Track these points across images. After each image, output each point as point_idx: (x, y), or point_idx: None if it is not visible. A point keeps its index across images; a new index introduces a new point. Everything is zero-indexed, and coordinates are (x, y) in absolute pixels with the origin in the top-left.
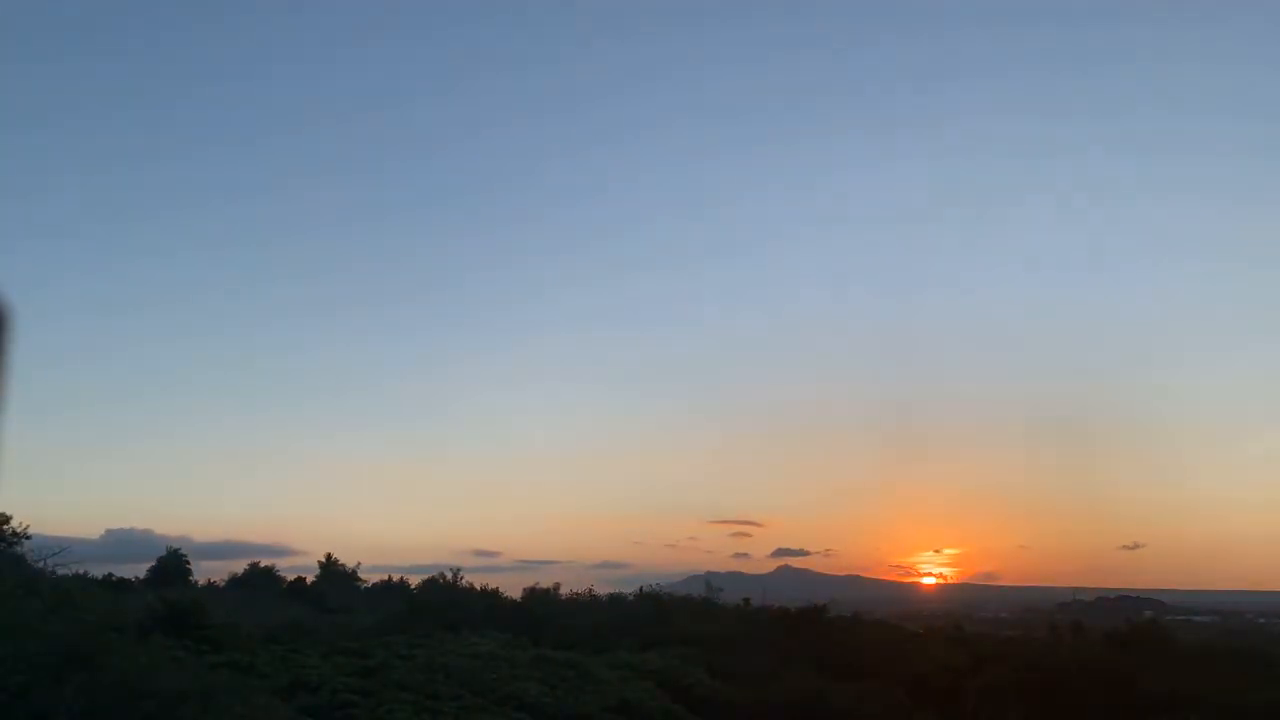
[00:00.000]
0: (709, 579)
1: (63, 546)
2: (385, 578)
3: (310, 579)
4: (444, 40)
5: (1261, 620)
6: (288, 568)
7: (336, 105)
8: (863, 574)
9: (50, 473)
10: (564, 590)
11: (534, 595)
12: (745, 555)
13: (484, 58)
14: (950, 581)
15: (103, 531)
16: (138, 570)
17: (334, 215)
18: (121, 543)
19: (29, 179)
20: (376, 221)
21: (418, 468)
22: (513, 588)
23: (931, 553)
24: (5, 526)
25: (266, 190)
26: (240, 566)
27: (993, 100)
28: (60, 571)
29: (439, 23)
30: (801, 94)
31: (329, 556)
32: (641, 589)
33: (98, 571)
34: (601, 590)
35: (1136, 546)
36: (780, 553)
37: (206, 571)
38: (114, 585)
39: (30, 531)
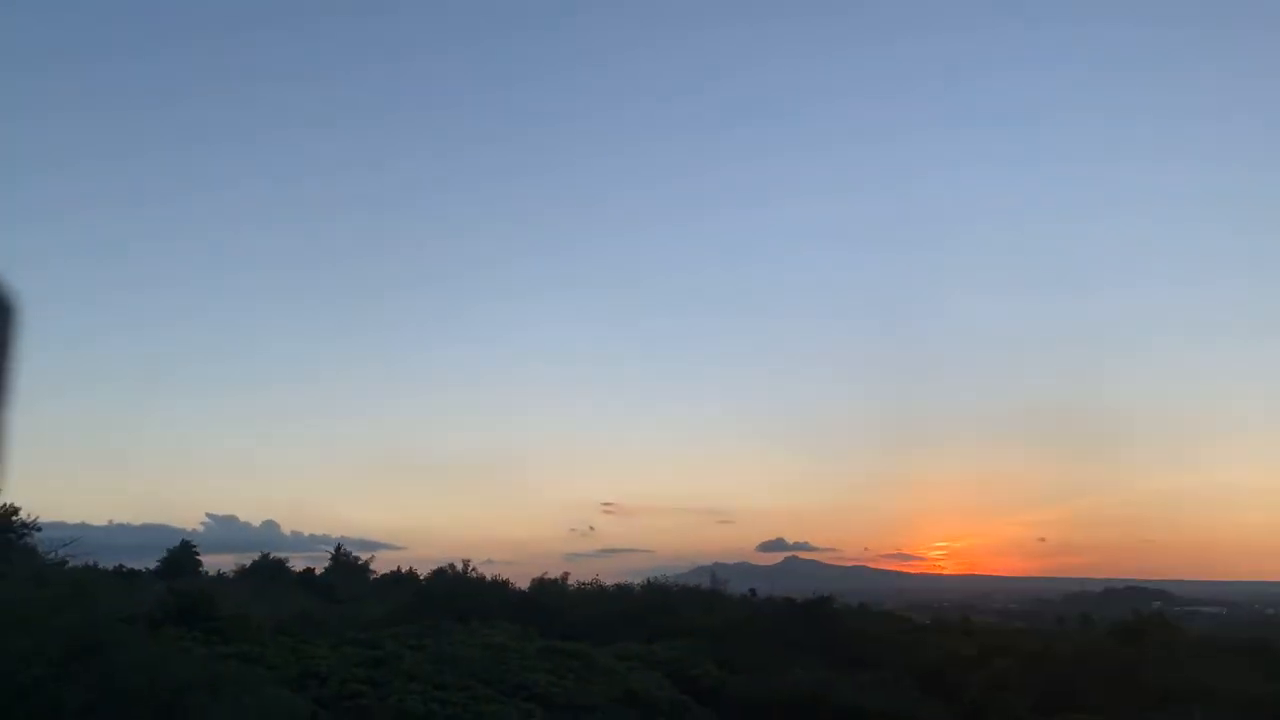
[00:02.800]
0: (714, 570)
1: (74, 538)
2: (395, 568)
3: (320, 569)
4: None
5: (1270, 612)
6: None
7: (338, 100)
8: (869, 565)
9: (162, 466)
10: (572, 581)
11: (542, 586)
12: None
13: (502, 60)
14: (957, 573)
15: (202, 520)
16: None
17: (378, 209)
18: (220, 531)
19: (51, 177)
20: (415, 217)
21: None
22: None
23: (939, 545)
24: (14, 518)
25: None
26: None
27: (1005, 113)
28: (71, 563)
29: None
30: (824, 98)
31: (339, 548)
32: (649, 580)
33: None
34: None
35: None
36: (787, 544)
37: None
38: (124, 576)
39: (155, 521)
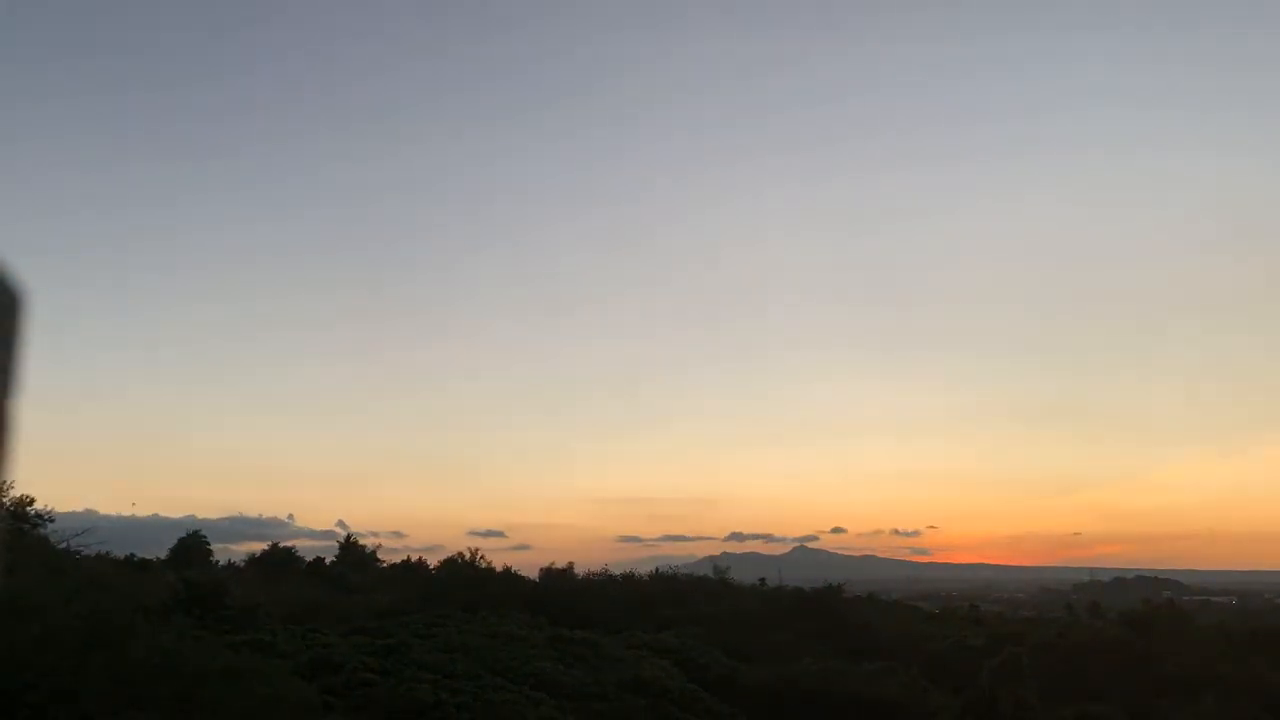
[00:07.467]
0: (716, 561)
1: (86, 527)
2: (405, 558)
3: (330, 559)
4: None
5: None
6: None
7: (340, 100)
8: (878, 554)
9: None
10: (582, 570)
11: (550, 575)
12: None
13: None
14: (967, 562)
15: (333, 523)
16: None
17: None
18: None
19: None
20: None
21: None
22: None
23: (948, 534)
24: (29, 508)
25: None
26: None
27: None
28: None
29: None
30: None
31: (348, 537)
32: (657, 569)
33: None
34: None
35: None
36: (797, 534)
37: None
38: (136, 566)
39: (293, 522)
